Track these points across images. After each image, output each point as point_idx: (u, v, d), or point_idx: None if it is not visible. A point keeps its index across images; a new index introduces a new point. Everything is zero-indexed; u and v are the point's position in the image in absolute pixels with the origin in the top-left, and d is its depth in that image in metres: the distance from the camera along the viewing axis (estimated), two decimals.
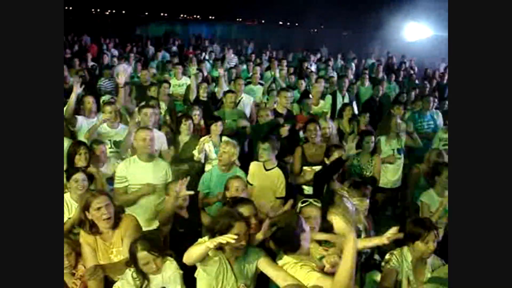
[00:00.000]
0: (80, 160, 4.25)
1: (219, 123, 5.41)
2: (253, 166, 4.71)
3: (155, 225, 3.97)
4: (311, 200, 3.41)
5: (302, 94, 7.66)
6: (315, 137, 5.13)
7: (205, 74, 9.10)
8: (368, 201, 3.76)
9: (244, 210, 3.20)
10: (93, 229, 3.17)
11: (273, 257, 2.97)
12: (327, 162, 4.65)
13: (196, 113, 5.93)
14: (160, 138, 5.02)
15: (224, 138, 5.35)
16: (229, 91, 6.77)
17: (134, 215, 3.47)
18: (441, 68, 12.71)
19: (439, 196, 4.55)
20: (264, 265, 2.93)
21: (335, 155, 4.55)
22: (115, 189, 4.13)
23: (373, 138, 5.40)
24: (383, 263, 3.34)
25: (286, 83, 8.83)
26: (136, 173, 4.13)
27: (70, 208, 3.65)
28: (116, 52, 12.83)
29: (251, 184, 4.55)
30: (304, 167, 5.04)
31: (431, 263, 3.29)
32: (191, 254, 2.81)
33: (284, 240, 2.86)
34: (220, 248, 2.89)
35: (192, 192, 3.71)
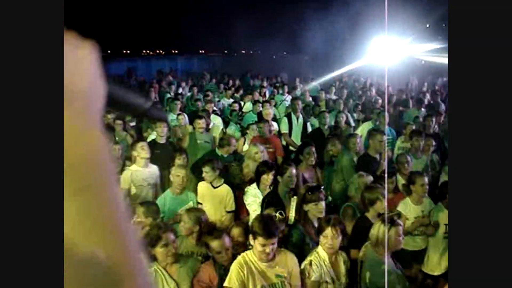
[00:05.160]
0: None
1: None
2: (201, 186, 5.01)
3: None
4: None
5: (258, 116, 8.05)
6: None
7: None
8: (324, 204, 3.93)
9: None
10: None
11: None
12: None
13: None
14: None
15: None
16: (198, 116, 6.85)
17: None
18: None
19: (415, 204, 4.62)
20: None
21: None
22: None
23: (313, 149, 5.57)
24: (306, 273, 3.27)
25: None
26: None
27: None
28: None
29: (201, 204, 4.81)
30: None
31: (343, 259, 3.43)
32: None
33: None
34: (154, 259, 3.03)
35: None
